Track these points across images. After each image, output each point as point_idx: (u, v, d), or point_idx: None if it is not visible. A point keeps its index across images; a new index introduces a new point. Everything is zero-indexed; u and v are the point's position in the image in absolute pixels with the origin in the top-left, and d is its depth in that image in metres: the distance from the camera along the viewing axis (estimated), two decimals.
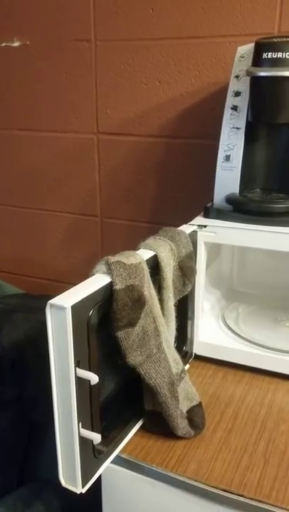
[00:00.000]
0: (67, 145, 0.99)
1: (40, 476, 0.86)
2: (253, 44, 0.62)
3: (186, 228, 0.66)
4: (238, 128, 0.66)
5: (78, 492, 0.50)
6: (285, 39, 0.58)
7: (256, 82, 0.62)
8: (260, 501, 0.49)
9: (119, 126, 0.93)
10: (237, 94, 0.66)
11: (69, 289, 0.46)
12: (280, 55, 0.58)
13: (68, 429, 0.48)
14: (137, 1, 0.84)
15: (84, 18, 0.89)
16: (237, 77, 0.67)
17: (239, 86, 0.66)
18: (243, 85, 0.66)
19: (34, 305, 0.91)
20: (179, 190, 0.92)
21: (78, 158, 0.99)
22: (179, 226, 0.66)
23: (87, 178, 1.00)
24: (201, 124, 0.86)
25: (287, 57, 0.58)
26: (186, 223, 0.68)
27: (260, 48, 0.60)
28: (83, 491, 0.50)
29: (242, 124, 0.66)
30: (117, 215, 1.00)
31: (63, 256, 1.09)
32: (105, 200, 1.00)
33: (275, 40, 0.59)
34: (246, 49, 0.67)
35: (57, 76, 0.95)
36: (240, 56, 0.67)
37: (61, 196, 1.04)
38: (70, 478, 0.50)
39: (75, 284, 0.47)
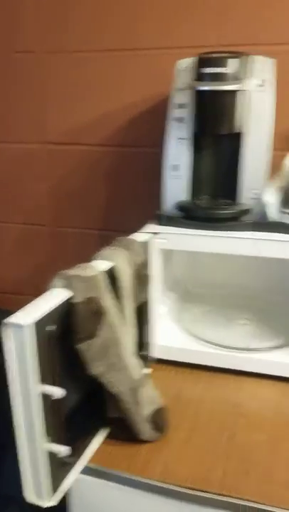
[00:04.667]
0: (14, 155, 0.98)
1: (2, 493, 0.84)
2: (192, 58, 0.65)
3: (140, 236, 0.67)
4: (183, 138, 0.68)
5: (45, 506, 0.50)
6: (223, 54, 0.62)
7: (198, 96, 0.65)
8: (225, 495, 0.51)
9: (68, 136, 0.93)
10: (181, 106, 0.68)
11: (20, 301, 0.45)
12: (218, 70, 0.61)
13: (32, 444, 0.47)
14: (81, 13, 0.85)
15: (27, 29, 0.88)
16: (179, 89, 0.69)
17: (182, 98, 0.68)
18: (187, 97, 0.68)
19: None
20: (129, 198, 0.94)
21: (26, 168, 0.98)
22: (130, 233, 0.67)
23: (35, 187, 0.99)
24: (147, 133, 0.88)
25: (225, 71, 0.61)
26: (137, 229, 0.70)
27: (200, 63, 0.63)
28: (50, 504, 0.50)
29: (188, 134, 0.68)
30: (67, 223, 1.00)
31: (12, 268, 1.07)
32: (54, 209, 0.99)
33: (214, 55, 0.62)
34: (187, 62, 0.70)
35: (3, 87, 0.94)
36: (181, 69, 0.70)
37: (8, 206, 1.02)
38: (37, 493, 0.50)
39: (25, 295, 0.47)
